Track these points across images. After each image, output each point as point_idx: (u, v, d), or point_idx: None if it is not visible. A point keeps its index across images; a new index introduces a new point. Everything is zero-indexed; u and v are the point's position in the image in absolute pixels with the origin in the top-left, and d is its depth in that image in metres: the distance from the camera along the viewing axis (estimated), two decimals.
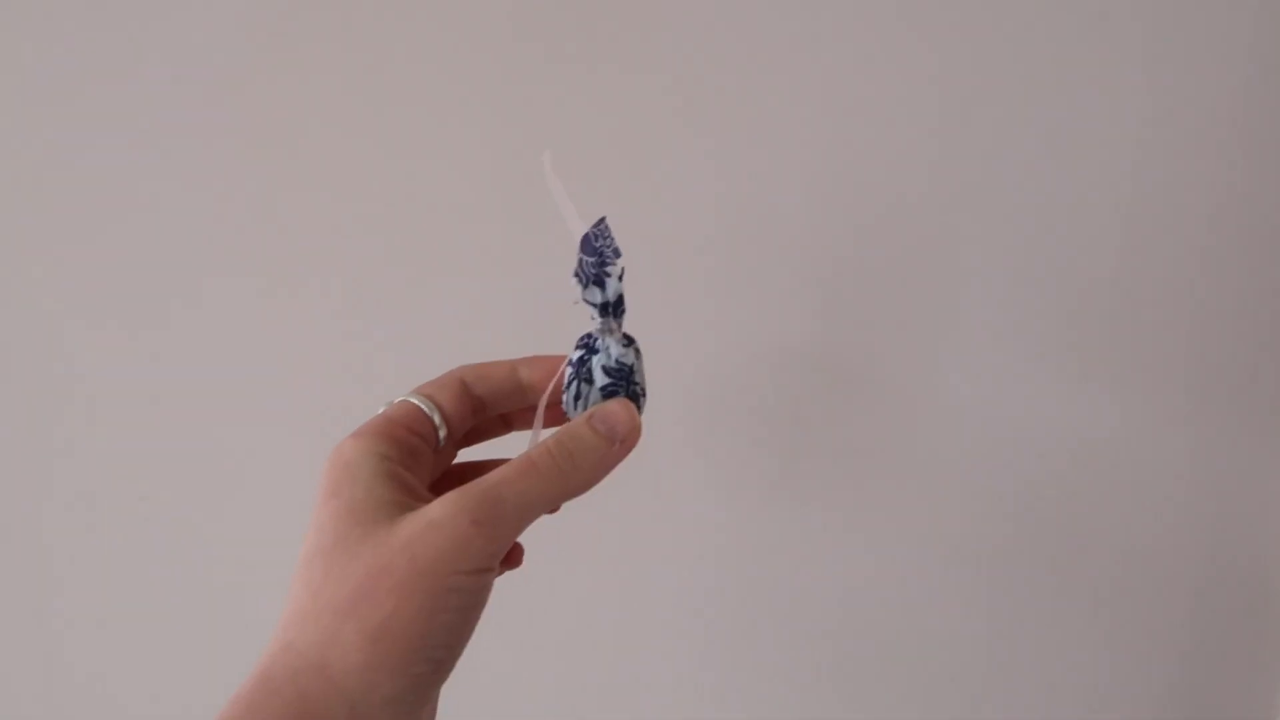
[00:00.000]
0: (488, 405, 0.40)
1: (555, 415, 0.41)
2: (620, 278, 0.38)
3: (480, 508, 0.32)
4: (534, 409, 0.40)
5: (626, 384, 0.39)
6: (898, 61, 0.61)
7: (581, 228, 0.37)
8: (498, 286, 0.65)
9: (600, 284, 0.38)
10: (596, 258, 0.37)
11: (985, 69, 0.61)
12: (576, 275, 0.38)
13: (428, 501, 0.33)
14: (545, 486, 0.34)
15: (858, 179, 0.63)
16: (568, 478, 0.35)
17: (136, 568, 0.70)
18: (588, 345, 0.39)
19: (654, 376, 0.65)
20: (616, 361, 0.38)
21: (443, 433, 0.38)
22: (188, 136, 0.63)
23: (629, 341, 0.39)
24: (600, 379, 0.38)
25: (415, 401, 0.38)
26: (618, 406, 0.37)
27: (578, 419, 0.37)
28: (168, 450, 0.68)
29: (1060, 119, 0.62)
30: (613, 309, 0.38)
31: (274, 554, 0.67)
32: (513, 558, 0.42)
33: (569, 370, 0.39)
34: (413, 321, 0.66)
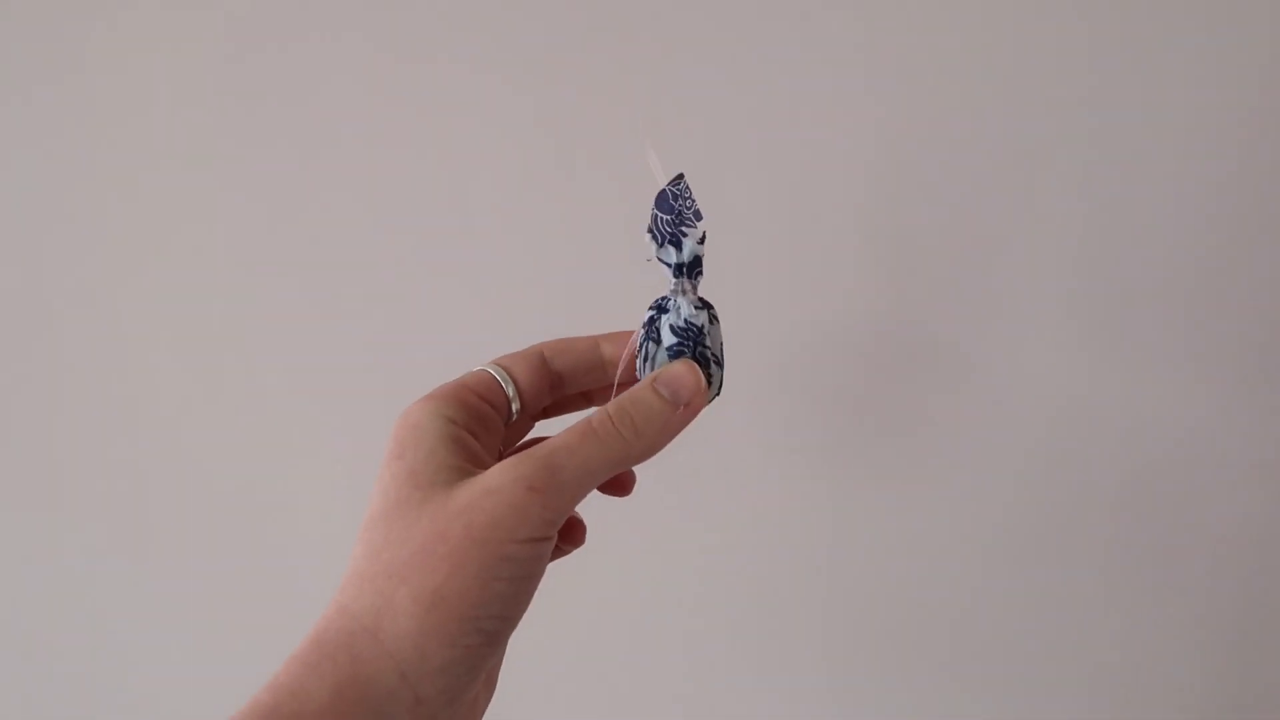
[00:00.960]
0: (567, 380, 0.39)
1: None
2: (702, 241, 0.37)
3: (537, 474, 0.32)
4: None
5: (694, 345, 0.37)
6: (961, 42, 0.60)
7: (662, 182, 0.36)
8: (585, 265, 0.65)
9: (677, 244, 0.37)
10: (673, 216, 0.37)
11: (1053, 44, 0.60)
12: (650, 232, 0.37)
13: (487, 468, 0.33)
14: (606, 452, 0.33)
15: (930, 157, 0.62)
16: (629, 444, 0.34)
17: (198, 533, 0.71)
18: (659, 306, 0.38)
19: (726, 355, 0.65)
20: (685, 321, 0.37)
21: (516, 405, 0.37)
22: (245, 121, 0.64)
23: (703, 305, 0.38)
24: (668, 338, 0.37)
25: (490, 370, 0.37)
26: (682, 368, 0.36)
27: (641, 383, 0.36)
28: (231, 427, 0.69)
29: (1147, 88, 0.60)
30: (687, 270, 0.37)
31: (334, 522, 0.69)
32: (575, 536, 0.41)
33: (640, 333, 0.38)
34: (496, 299, 0.66)
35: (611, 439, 0.33)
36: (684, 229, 0.37)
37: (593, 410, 0.36)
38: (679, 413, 0.35)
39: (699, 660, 0.72)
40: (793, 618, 0.71)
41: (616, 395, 0.38)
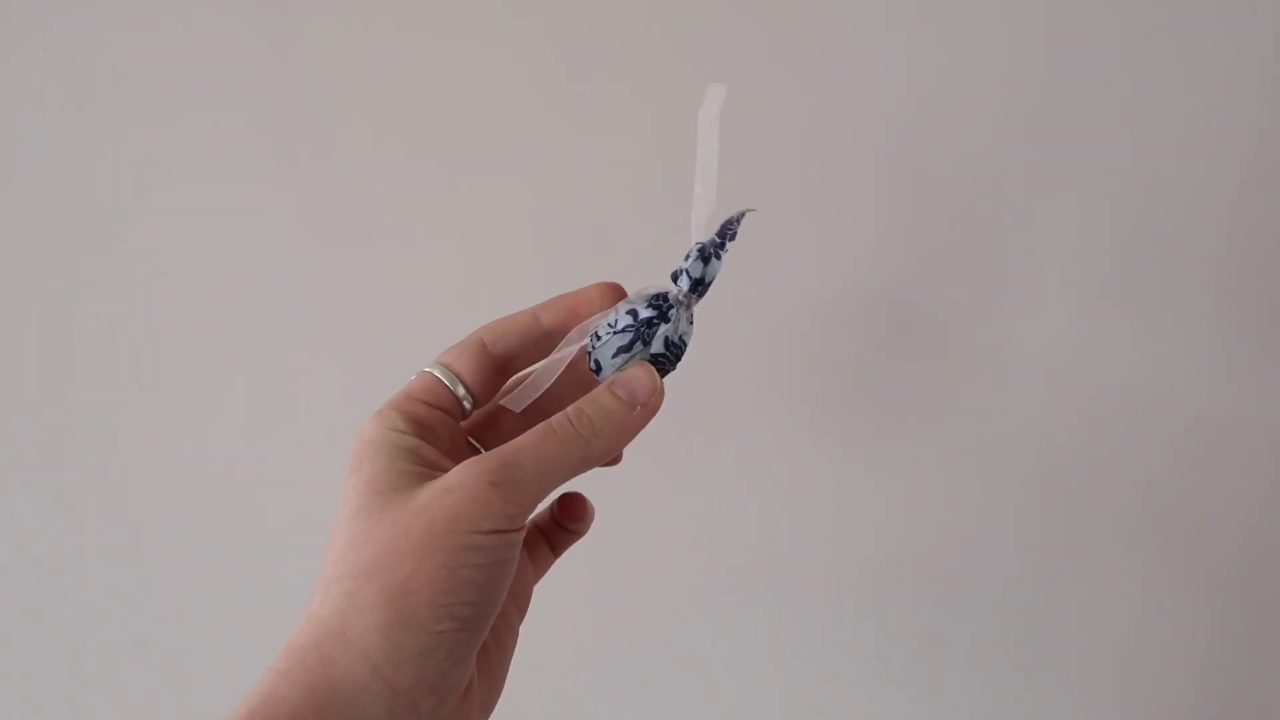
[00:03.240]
0: (514, 360, 0.40)
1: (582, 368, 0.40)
2: (721, 261, 0.38)
3: (498, 470, 0.33)
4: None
5: (674, 363, 0.38)
6: (986, 18, 0.60)
7: (713, 199, 0.38)
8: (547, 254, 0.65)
9: (705, 260, 0.38)
10: (721, 239, 0.38)
11: (1081, 17, 0.59)
12: (699, 245, 0.38)
13: (446, 471, 0.34)
14: (565, 451, 0.34)
15: (940, 125, 0.62)
16: (588, 445, 0.35)
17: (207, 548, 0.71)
18: (660, 309, 0.38)
19: (725, 328, 0.63)
20: (680, 339, 0.38)
21: (467, 401, 0.38)
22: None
23: (691, 322, 0.39)
24: (657, 346, 0.38)
25: (434, 372, 0.38)
26: (639, 371, 0.37)
27: (600, 387, 0.37)
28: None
29: (1176, 58, 0.59)
30: (702, 290, 0.38)
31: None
32: (577, 512, 0.42)
33: (627, 319, 0.38)
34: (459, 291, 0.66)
35: (570, 438, 0.34)
36: (720, 252, 0.38)
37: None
38: (635, 413, 0.36)
39: (701, 654, 0.73)
40: (808, 609, 0.71)
41: (566, 343, 0.39)
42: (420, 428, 0.36)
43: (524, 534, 0.34)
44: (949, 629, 0.71)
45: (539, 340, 0.39)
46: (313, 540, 0.68)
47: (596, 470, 0.41)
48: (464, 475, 0.32)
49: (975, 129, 0.61)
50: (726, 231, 0.38)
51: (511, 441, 0.34)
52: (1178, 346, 0.64)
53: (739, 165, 0.62)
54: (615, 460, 0.41)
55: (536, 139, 0.63)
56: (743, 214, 0.38)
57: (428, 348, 0.65)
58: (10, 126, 0.63)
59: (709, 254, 0.38)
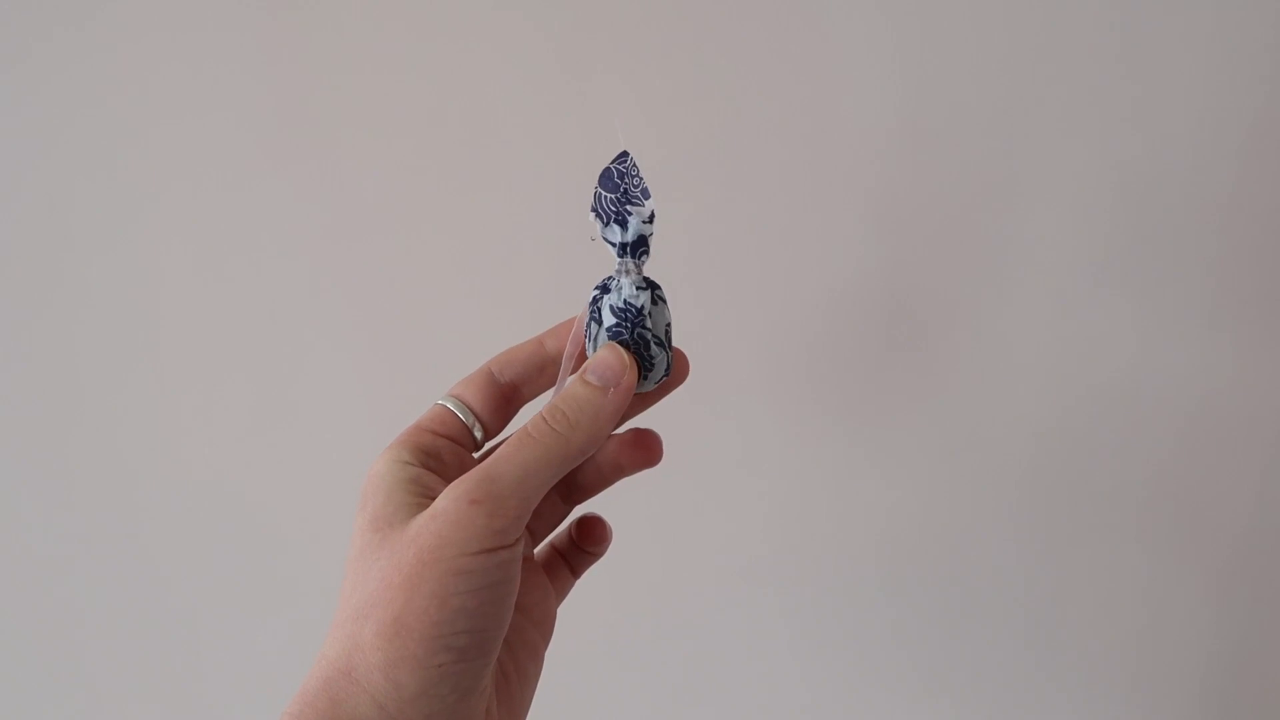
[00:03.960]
0: (522, 388, 0.39)
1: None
2: (650, 220, 0.37)
3: (476, 487, 0.32)
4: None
5: (633, 327, 0.37)
6: (975, 14, 0.60)
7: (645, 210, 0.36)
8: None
9: (622, 223, 0.37)
10: (619, 194, 0.36)
11: (1077, 12, 0.59)
12: (594, 211, 0.37)
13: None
14: (543, 452, 0.34)
15: (940, 124, 0.62)
16: (566, 438, 0.34)
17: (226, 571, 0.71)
18: (603, 286, 0.38)
19: (729, 327, 0.63)
20: (625, 302, 0.37)
21: (478, 431, 0.38)
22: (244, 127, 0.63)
23: (647, 285, 0.37)
24: (608, 319, 0.37)
25: (444, 403, 0.38)
26: (605, 352, 0.36)
27: (572, 378, 0.36)
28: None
29: (1173, 47, 0.59)
30: (631, 249, 0.37)
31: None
32: (595, 535, 0.41)
33: (586, 314, 0.38)
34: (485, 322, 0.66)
35: (547, 437, 0.34)
36: (629, 208, 0.36)
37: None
38: (610, 396, 0.35)
39: (702, 652, 0.73)
40: (810, 606, 0.71)
41: (564, 368, 0.38)
42: (426, 456, 0.35)
43: (519, 549, 0.33)
44: (950, 620, 0.72)
45: (545, 366, 0.39)
46: (313, 540, 0.69)
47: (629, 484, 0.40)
48: (446, 499, 0.32)
49: (974, 127, 0.62)
50: (612, 184, 0.36)
51: (490, 456, 0.34)
52: (1177, 337, 0.65)
53: (740, 165, 0.62)
54: (654, 460, 0.40)
55: (536, 139, 0.63)
56: (621, 158, 0.36)
57: (428, 347, 0.66)
58: (11, 127, 0.63)
59: (609, 215, 0.37)
